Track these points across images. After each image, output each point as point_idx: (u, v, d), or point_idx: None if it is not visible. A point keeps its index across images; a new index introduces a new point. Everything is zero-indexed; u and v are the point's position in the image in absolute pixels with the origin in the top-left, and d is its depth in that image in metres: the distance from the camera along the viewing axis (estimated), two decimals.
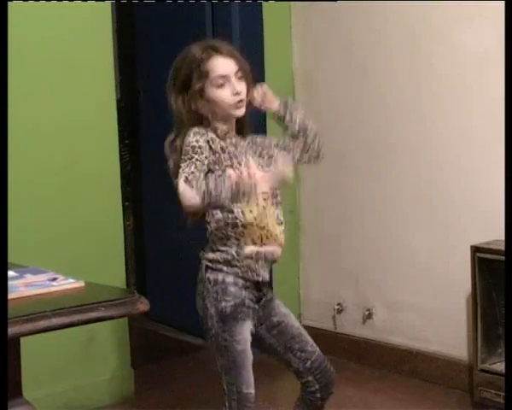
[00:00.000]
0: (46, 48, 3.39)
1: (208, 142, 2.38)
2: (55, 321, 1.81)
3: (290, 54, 4.24)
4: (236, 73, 2.43)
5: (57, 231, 3.43)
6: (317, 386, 2.51)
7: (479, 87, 3.51)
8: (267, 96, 2.50)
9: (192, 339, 4.44)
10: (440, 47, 3.63)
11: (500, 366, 3.29)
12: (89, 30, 3.51)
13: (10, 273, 2.06)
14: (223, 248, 2.42)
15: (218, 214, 2.40)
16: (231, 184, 2.25)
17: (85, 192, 3.52)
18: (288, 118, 2.50)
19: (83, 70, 3.50)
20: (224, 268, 2.41)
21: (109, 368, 3.63)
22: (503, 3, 2.85)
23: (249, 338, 2.42)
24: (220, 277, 2.41)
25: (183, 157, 2.35)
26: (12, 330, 1.74)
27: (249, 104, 2.48)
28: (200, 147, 2.35)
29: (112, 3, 3.76)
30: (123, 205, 3.79)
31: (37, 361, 3.23)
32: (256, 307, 2.45)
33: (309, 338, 2.54)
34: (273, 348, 2.53)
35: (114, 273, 3.53)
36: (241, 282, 2.41)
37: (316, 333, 4.18)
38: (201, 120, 2.44)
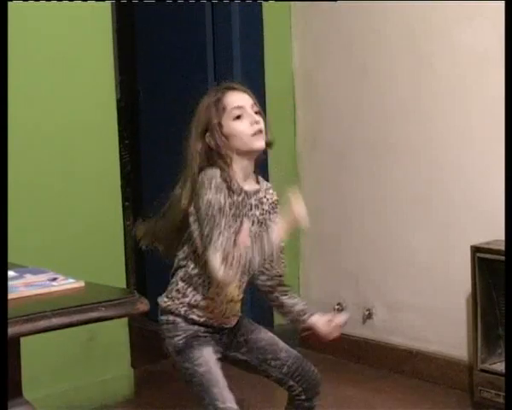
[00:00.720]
0: (46, 48, 3.40)
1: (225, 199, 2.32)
2: (55, 321, 1.81)
3: (290, 54, 4.24)
4: (252, 106, 2.41)
5: (57, 232, 3.43)
6: (300, 389, 2.50)
7: (479, 87, 3.51)
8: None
9: None
10: (440, 47, 3.63)
11: (500, 366, 3.29)
12: (89, 30, 3.51)
13: (10, 273, 2.06)
14: (172, 294, 2.47)
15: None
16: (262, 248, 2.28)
17: (85, 192, 3.51)
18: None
19: (83, 70, 3.50)
20: (173, 311, 2.46)
21: (109, 368, 3.63)
22: (503, 3, 2.85)
23: (212, 358, 2.42)
24: (170, 317, 2.47)
25: (207, 218, 2.27)
26: (12, 330, 1.74)
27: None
28: (225, 205, 2.29)
29: (112, 3, 3.76)
30: (123, 205, 3.79)
31: (37, 361, 3.23)
32: (216, 336, 2.48)
33: (282, 345, 2.53)
34: (248, 364, 2.54)
35: (114, 273, 3.53)
36: (190, 319, 2.45)
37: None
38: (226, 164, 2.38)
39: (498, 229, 3.11)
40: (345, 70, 4.04)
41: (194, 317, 2.44)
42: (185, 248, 2.46)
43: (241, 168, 2.40)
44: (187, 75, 4.37)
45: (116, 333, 3.63)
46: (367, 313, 4.00)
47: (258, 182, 2.47)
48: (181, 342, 2.45)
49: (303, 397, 2.50)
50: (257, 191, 2.44)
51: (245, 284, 2.49)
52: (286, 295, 2.56)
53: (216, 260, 2.23)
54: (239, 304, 2.51)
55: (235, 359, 2.55)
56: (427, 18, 3.65)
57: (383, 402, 3.56)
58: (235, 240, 2.32)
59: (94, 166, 3.55)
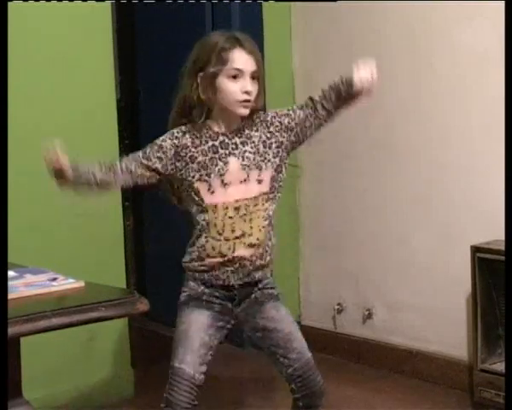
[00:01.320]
0: (46, 48, 3.39)
1: (177, 147, 2.44)
2: (55, 321, 1.81)
3: (290, 54, 4.24)
4: (253, 73, 2.42)
5: (57, 232, 3.43)
6: (299, 395, 2.48)
7: (479, 87, 3.51)
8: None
9: None
10: (440, 47, 3.63)
11: (500, 366, 3.29)
12: (89, 30, 3.51)
13: (10, 273, 2.06)
14: (189, 249, 2.50)
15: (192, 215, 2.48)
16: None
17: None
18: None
19: (83, 70, 3.50)
20: (187, 268, 2.51)
21: (109, 368, 3.63)
22: (503, 3, 2.85)
23: (198, 322, 2.43)
24: (185, 275, 2.52)
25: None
26: (12, 330, 1.74)
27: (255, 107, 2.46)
28: (160, 147, 2.47)
29: (112, 3, 3.76)
30: (123, 205, 3.79)
31: (37, 361, 3.23)
32: (228, 304, 2.47)
33: (297, 345, 2.49)
34: (260, 347, 2.55)
35: (114, 273, 3.53)
36: (199, 279, 2.46)
37: (316, 333, 4.22)
38: (201, 114, 2.43)
39: (498, 229, 3.11)
40: (345, 70, 4.03)
41: (202, 267, 2.45)
42: None
43: (222, 118, 2.44)
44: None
45: (116, 333, 3.63)
46: (367, 313, 4.00)
47: (243, 122, 2.48)
48: (183, 298, 2.48)
49: (300, 404, 2.49)
50: (239, 129, 2.45)
51: (267, 213, 2.46)
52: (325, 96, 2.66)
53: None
54: (257, 235, 2.44)
55: (249, 337, 2.56)
56: (427, 18, 3.65)
57: (383, 402, 3.56)
58: (222, 181, 2.40)
59: None
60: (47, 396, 3.29)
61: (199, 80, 2.43)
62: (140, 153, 2.47)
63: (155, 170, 2.44)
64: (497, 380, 3.26)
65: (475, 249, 3.33)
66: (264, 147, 2.46)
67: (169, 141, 2.46)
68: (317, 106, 2.59)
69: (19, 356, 1.99)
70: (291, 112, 2.53)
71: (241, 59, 2.41)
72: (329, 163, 4.15)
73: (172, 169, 2.44)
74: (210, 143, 2.43)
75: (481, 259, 3.31)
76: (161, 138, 2.49)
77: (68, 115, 3.46)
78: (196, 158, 2.42)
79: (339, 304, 4.12)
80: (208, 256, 2.44)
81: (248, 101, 2.41)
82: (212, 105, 2.43)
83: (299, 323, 4.30)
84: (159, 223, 4.72)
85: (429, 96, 3.69)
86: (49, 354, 3.38)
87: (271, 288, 2.53)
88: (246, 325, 2.52)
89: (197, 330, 2.42)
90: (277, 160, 2.47)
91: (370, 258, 3.98)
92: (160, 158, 2.44)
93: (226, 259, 2.42)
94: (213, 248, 2.43)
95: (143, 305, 1.95)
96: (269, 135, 2.47)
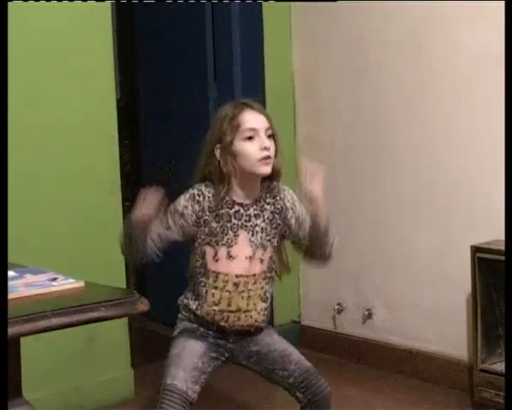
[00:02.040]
0: (46, 48, 3.39)
1: (198, 212, 2.43)
2: (55, 321, 1.81)
3: (290, 54, 4.24)
4: (267, 130, 2.43)
5: (57, 231, 3.43)
6: (306, 401, 2.50)
7: (479, 87, 3.51)
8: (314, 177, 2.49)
9: None
10: (440, 47, 3.63)
11: (500, 366, 3.29)
12: (89, 30, 3.51)
13: (10, 273, 2.06)
14: (189, 295, 2.55)
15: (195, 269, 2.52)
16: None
17: (85, 192, 3.51)
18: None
19: (83, 70, 3.50)
20: (182, 312, 2.56)
21: (109, 368, 3.63)
22: (503, 3, 2.85)
23: (193, 349, 2.47)
24: (180, 315, 2.56)
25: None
26: (12, 330, 1.74)
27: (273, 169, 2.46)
28: (182, 214, 2.42)
29: (112, 3, 3.76)
30: (123, 205, 3.78)
31: (37, 361, 3.23)
32: (222, 341, 2.51)
33: (294, 358, 2.53)
34: (258, 372, 2.57)
35: (114, 273, 3.52)
36: (194, 320, 2.52)
37: (316, 333, 4.22)
38: (224, 187, 2.43)
39: (498, 229, 3.11)
40: (345, 70, 4.04)
41: (200, 323, 2.50)
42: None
43: (242, 185, 2.44)
44: (187, 75, 4.37)
45: (116, 333, 3.62)
46: (367, 313, 4.00)
47: (261, 191, 2.49)
48: (176, 332, 2.53)
49: None
50: (256, 200, 2.46)
51: (265, 293, 2.51)
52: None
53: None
54: (254, 314, 2.51)
55: (245, 366, 2.57)
56: (427, 18, 3.65)
57: (383, 402, 3.56)
58: (228, 252, 2.42)
59: (94, 166, 3.55)
60: (47, 396, 3.29)
61: (218, 155, 2.43)
62: (161, 225, 2.43)
63: (177, 236, 2.47)
64: (497, 380, 3.26)
65: (475, 249, 3.33)
66: (271, 228, 2.48)
67: (190, 208, 2.43)
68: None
69: (19, 356, 1.99)
70: (300, 218, 2.52)
71: (252, 119, 2.43)
72: (329, 163, 4.14)
73: (190, 233, 2.47)
74: (225, 210, 2.43)
75: (481, 259, 3.31)
76: (182, 204, 2.44)
77: (68, 115, 3.46)
78: (209, 222, 2.43)
79: (339, 304, 4.12)
80: (206, 315, 2.49)
81: (269, 157, 2.41)
82: (234, 176, 2.43)
83: (299, 323, 4.30)
84: None
85: (429, 96, 3.69)
86: (49, 354, 3.38)
87: (261, 323, 2.58)
88: (240, 355, 2.55)
89: (190, 354, 2.45)
90: (276, 241, 2.51)
91: (370, 258, 3.98)
92: (181, 226, 2.45)
93: (221, 324, 2.48)
94: (207, 314, 2.48)
95: (143, 305, 1.95)
96: (278, 217, 2.50)
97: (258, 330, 2.55)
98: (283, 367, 2.51)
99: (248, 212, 2.45)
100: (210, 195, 2.43)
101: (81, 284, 2.07)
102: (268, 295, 2.53)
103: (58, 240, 3.43)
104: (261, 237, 2.46)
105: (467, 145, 3.57)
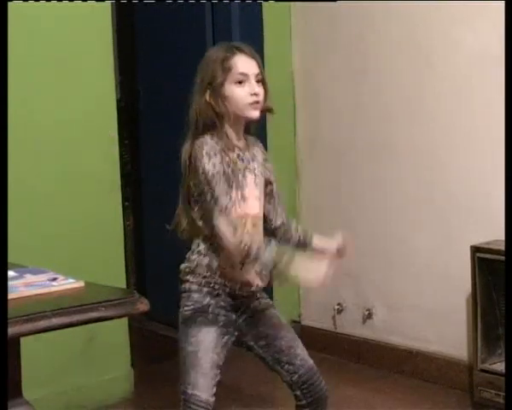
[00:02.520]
0: (46, 48, 3.39)
1: (222, 163, 2.39)
2: (55, 321, 1.81)
3: (290, 54, 4.24)
4: (257, 75, 2.45)
5: (57, 231, 3.43)
6: (305, 401, 2.48)
7: (479, 87, 3.51)
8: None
9: None
10: (440, 47, 3.63)
11: (500, 366, 3.29)
12: (89, 30, 3.51)
13: (10, 273, 2.06)
14: (192, 257, 2.46)
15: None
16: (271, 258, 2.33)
17: (85, 192, 3.51)
18: None
19: (83, 70, 3.50)
20: (190, 278, 2.44)
21: (109, 368, 3.63)
22: (502, 3, 2.85)
23: (207, 341, 2.41)
24: (187, 286, 2.45)
25: (206, 187, 2.35)
26: (12, 330, 1.74)
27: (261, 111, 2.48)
28: (218, 173, 2.36)
29: (112, 3, 3.76)
30: (123, 205, 3.79)
31: (37, 361, 3.23)
32: (232, 315, 2.45)
33: (300, 352, 2.52)
34: (262, 358, 2.53)
35: (114, 273, 3.53)
36: (205, 289, 2.43)
37: (316, 333, 4.22)
38: (215, 125, 2.43)
39: (498, 229, 3.11)
40: (345, 70, 4.04)
41: (212, 280, 2.42)
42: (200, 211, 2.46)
43: (233, 129, 2.45)
44: (187, 75, 4.36)
45: (116, 333, 3.62)
46: (367, 313, 4.00)
47: (248, 140, 2.52)
48: (187, 313, 2.43)
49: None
50: (248, 147, 2.49)
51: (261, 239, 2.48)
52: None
53: (221, 226, 2.33)
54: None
55: (251, 348, 2.52)
56: (427, 18, 3.65)
57: (383, 402, 3.56)
58: (242, 194, 2.40)
59: (94, 166, 3.55)
60: (47, 396, 3.29)
61: (208, 97, 2.44)
62: (222, 202, 2.37)
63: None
64: (497, 380, 3.26)
65: (475, 249, 3.33)
66: (261, 173, 2.51)
67: (217, 162, 2.38)
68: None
69: (19, 356, 1.99)
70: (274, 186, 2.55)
71: (243, 63, 2.44)
72: (329, 163, 4.15)
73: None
74: (230, 155, 2.43)
75: (481, 259, 3.31)
76: (206, 167, 2.37)
77: (68, 115, 3.46)
78: (223, 171, 2.41)
79: (339, 304, 4.12)
80: (219, 267, 2.42)
81: (257, 102, 2.43)
82: (225, 117, 2.44)
83: (299, 323, 4.30)
84: (159, 223, 4.72)
85: (429, 96, 3.69)
86: (49, 354, 3.38)
87: (266, 298, 2.55)
88: (249, 335, 2.50)
89: (206, 350, 2.40)
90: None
91: (370, 258, 3.98)
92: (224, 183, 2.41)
93: (237, 269, 2.42)
94: (228, 259, 2.41)
95: (143, 305, 1.95)
96: (263, 167, 2.52)
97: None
98: (290, 361, 2.49)
99: (246, 155, 2.47)
100: (214, 143, 2.41)
101: (81, 284, 2.07)
102: (262, 237, 2.52)
103: (58, 240, 3.43)
104: (260, 181, 2.49)
105: (467, 145, 3.57)
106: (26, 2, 3.26)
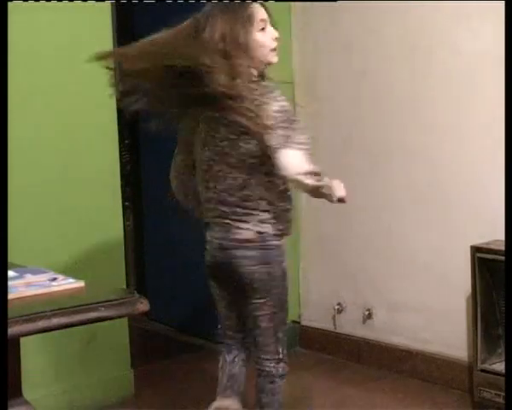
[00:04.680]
0: (46, 48, 3.39)
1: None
2: (55, 321, 1.81)
3: (290, 54, 4.24)
4: (270, 22, 2.51)
5: (57, 232, 3.43)
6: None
7: (479, 87, 3.51)
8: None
9: (192, 339, 4.44)
10: (440, 47, 3.63)
11: (500, 366, 3.29)
12: (89, 30, 3.51)
13: (10, 273, 2.06)
14: (268, 216, 2.53)
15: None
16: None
17: (85, 192, 3.51)
18: None
19: (82, 70, 3.50)
20: (271, 233, 2.54)
21: (109, 368, 3.63)
22: (502, 3, 2.85)
23: None
24: (274, 242, 2.54)
25: (283, 124, 2.38)
26: (12, 330, 1.74)
27: None
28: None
29: (112, 3, 3.76)
30: (123, 205, 3.79)
31: (37, 361, 3.23)
32: None
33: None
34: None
35: (114, 273, 3.53)
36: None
37: (316, 333, 4.22)
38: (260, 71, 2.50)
39: (498, 229, 3.12)
40: (345, 70, 4.04)
41: (279, 230, 2.53)
42: (241, 175, 2.49)
43: (256, 76, 2.49)
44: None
45: (116, 333, 3.62)
46: (367, 313, 4.00)
47: None
48: (286, 265, 2.59)
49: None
50: None
51: None
52: None
53: (297, 155, 2.40)
54: None
55: None
56: (427, 18, 3.65)
57: (383, 402, 3.56)
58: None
59: (94, 167, 3.55)
60: (47, 396, 3.29)
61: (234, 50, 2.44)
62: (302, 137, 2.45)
63: None
64: (497, 380, 3.26)
65: (475, 249, 3.33)
66: None
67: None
68: None
69: (19, 356, 1.99)
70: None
71: (261, 11, 2.50)
72: (329, 163, 4.14)
73: None
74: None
75: (481, 259, 3.31)
76: (285, 105, 2.43)
77: (68, 115, 3.46)
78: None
79: (339, 304, 4.12)
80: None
81: (275, 49, 2.50)
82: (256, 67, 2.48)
83: (298, 323, 4.30)
84: (159, 223, 4.72)
85: (429, 95, 3.69)
86: (49, 354, 3.38)
87: None
88: None
89: None
90: None
91: (370, 258, 3.98)
92: None
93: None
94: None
95: (143, 305, 1.95)
96: None
97: None
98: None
99: None
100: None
101: (81, 284, 2.07)
102: None
103: (58, 240, 3.43)
104: None
105: (467, 145, 3.57)
106: (26, 2, 3.26)
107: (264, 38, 2.47)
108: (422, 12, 3.65)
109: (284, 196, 2.54)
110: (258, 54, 2.46)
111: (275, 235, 2.54)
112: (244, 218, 2.49)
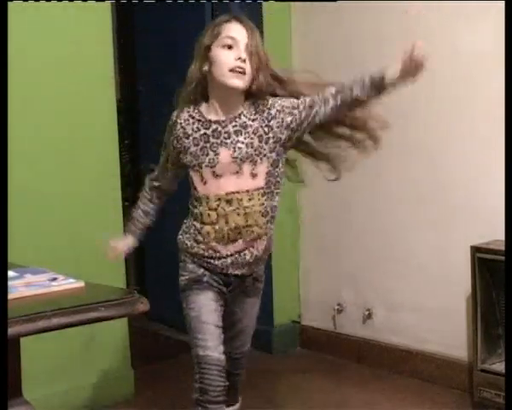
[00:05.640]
0: (46, 48, 3.39)
1: (176, 139, 2.51)
2: (55, 321, 1.81)
3: (290, 54, 4.24)
4: (247, 45, 2.39)
5: (57, 231, 3.43)
6: (226, 367, 2.56)
7: (479, 87, 3.51)
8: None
9: None
10: (440, 47, 3.62)
11: (500, 366, 3.29)
12: (89, 30, 3.51)
13: (10, 273, 2.06)
14: (185, 228, 2.56)
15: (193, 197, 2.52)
16: None
17: (85, 192, 3.51)
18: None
19: (83, 70, 3.50)
20: (185, 246, 2.55)
21: (109, 368, 3.63)
22: (502, 3, 2.85)
23: (207, 304, 2.49)
24: (182, 256, 2.56)
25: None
26: (12, 330, 1.74)
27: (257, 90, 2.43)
28: (165, 146, 2.59)
29: (112, 3, 3.76)
30: (123, 205, 3.78)
31: (37, 361, 3.23)
32: (223, 289, 2.52)
33: (244, 338, 2.65)
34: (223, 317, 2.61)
35: (114, 273, 3.52)
36: (198, 263, 2.51)
37: (316, 333, 4.22)
38: (205, 94, 2.46)
39: (498, 229, 3.12)
40: (345, 70, 4.03)
41: (200, 250, 2.49)
42: None
43: (219, 99, 2.43)
44: (187, 75, 4.36)
45: (116, 333, 3.63)
46: (367, 313, 4.00)
47: (244, 106, 2.45)
48: (183, 283, 2.53)
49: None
50: (235, 117, 2.43)
51: (265, 208, 2.48)
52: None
53: (145, 185, 2.75)
54: (256, 229, 2.47)
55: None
56: (427, 18, 3.65)
57: (383, 402, 3.56)
58: (214, 172, 2.42)
59: (94, 167, 3.55)
60: (47, 396, 3.29)
61: (198, 63, 2.46)
62: (154, 173, 2.70)
63: (176, 165, 2.56)
64: (497, 380, 3.26)
65: (475, 249, 3.33)
66: (260, 141, 2.42)
67: (169, 136, 2.56)
68: (332, 100, 2.59)
69: (19, 356, 1.99)
70: (296, 111, 2.47)
71: (235, 29, 2.41)
72: None
73: (178, 160, 2.53)
74: (202, 132, 2.45)
75: (481, 259, 3.31)
76: (165, 137, 2.58)
77: (68, 115, 3.46)
78: (189, 148, 2.46)
79: (339, 304, 4.12)
80: (204, 240, 2.47)
81: (242, 71, 2.37)
82: (210, 87, 2.44)
83: (299, 323, 4.30)
84: (159, 223, 4.72)
85: (429, 95, 3.69)
86: (49, 354, 3.38)
87: (260, 281, 2.61)
88: (229, 308, 2.59)
89: (209, 314, 2.48)
90: (274, 154, 2.45)
91: (370, 258, 3.98)
92: (168, 155, 2.59)
93: (222, 244, 2.46)
94: (208, 234, 2.47)
95: (143, 305, 1.95)
96: (267, 130, 2.43)
97: (259, 260, 2.53)
98: (232, 340, 2.60)
99: (227, 129, 2.42)
100: (182, 121, 2.48)
101: (81, 284, 2.07)
102: (269, 209, 2.49)
103: (58, 240, 3.43)
104: (246, 153, 2.41)
105: (467, 145, 3.57)
106: (26, 2, 3.26)
107: (226, 55, 2.37)
108: (423, 11, 3.64)
109: None
110: (216, 71, 2.40)
111: None
112: None
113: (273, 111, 2.44)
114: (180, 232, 2.58)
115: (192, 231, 2.51)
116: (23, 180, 3.29)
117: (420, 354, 3.79)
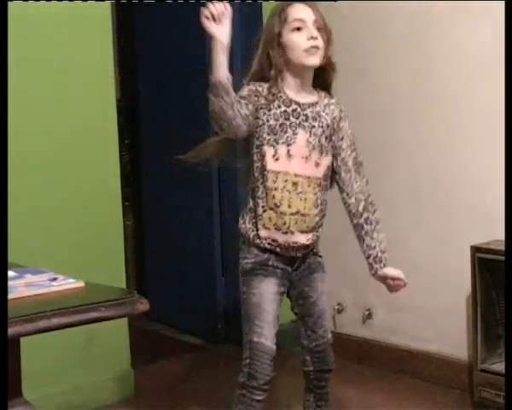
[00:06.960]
0: (46, 48, 3.39)
1: (257, 102, 2.43)
2: (55, 321, 1.81)
3: None
4: (315, 21, 2.46)
5: (57, 231, 3.43)
6: (312, 368, 2.63)
7: (479, 87, 3.51)
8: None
9: (192, 339, 4.44)
10: (440, 47, 3.63)
11: (500, 366, 3.29)
12: (89, 29, 3.51)
13: (10, 273, 2.06)
14: (246, 217, 2.53)
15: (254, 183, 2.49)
16: None
17: (85, 192, 3.51)
18: None
19: (83, 70, 3.50)
20: (248, 231, 2.53)
21: (109, 368, 3.63)
22: (502, 3, 2.85)
23: (268, 292, 2.51)
24: (246, 251, 2.55)
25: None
26: (12, 330, 1.74)
27: (328, 63, 2.48)
28: (244, 98, 2.42)
29: (112, 3, 3.76)
30: (123, 205, 3.79)
31: (37, 361, 3.23)
32: (288, 269, 2.56)
33: (325, 323, 2.64)
34: (296, 313, 2.65)
35: (114, 273, 3.52)
36: (263, 246, 2.51)
37: None
38: (276, 79, 2.45)
39: (498, 229, 3.11)
40: (345, 70, 4.01)
41: (263, 234, 2.49)
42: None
43: (294, 81, 2.46)
44: (187, 75, 4.37)
45: (116, 333, 3.62)
46: (367, 313, 4.00)
47: (318, 96, 2.52)
48: (248, 265, 2.53)
49: (312, 376, 2.63)
50: (313, 104, 2.49)
51: (317, 199, 2.54)
52: (369, 225, 2.74)
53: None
54: (308, 219, 2.56)
55: (292, 300, 2.65)
56: (427, 18, 3.65)
57: (383, 402, 3.56)
58: (288, 151, 2.43)
59: (94, 167, 3.55)
60: (47, 396, 3.29)
61: (270, 51, 2.44)
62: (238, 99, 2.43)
63: (246, 116, 2.43)
64: (497, 380, 3.26)
65: (475, 249, 3.33)
66: (326, 137, 2.51)
67: (253, 95, 2.45)
68: (347, 192, 2.66)
69: (19, 356, 1.99)
70: (343, 153, 2.57)
71: (300, 10, 2.46)
72: None
73: (251, 124, 2.44)
74: (282, 109, 2.45)
75: (481, 259, 3.31)
76: (246, 93, 2.45)
77: (68, 115, 3.46)
78: (268, 121, 2.44)
79: (339, 304, 4.12)
80: (264, 227, 2.48)
81: (316, 47, 2.42)
82: (285, 69, 2.45)
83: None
84: (159, 223, 4.73)
85: (429, 95, 3.69)
86: (49, 354, 3.38)
87: (320, 256, 2.70)
88: (295, 289, 2.61)
89: (269, 301, 2.50)
90: (330, 156, 2.53)
91: None
92: (246, 105, 2.43)
93: (281, 232, 2.48)
94: (270, 219, 2.48)
95: (143, 305, 1.95)
96: (332, 132, 2.53)
97: (310, 246, 2.63)
98: (313, 329, 2.61)
99: (305, 112, 2.47)
100: (265, 93, 2.45)
101: (81, 284, 2.07)
102: (319, 201, 2.56)
103: (58, 240, 3.43)
104: (319, 140, 2.48)
105: (467, 145, 3.57)
106: (26, 2, 3.26)
107: (298, 37, 2.43)
108: (423, 12, 3.64)
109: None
110: (291, 55, 2.43)
111: None
112: None
113: (341, 125, 2.58)
114: (241, 219, 2.57)
115: (253, 216, 2.51)
116: (23, 180, 3.29)
117: (420, 354, 3.79)
